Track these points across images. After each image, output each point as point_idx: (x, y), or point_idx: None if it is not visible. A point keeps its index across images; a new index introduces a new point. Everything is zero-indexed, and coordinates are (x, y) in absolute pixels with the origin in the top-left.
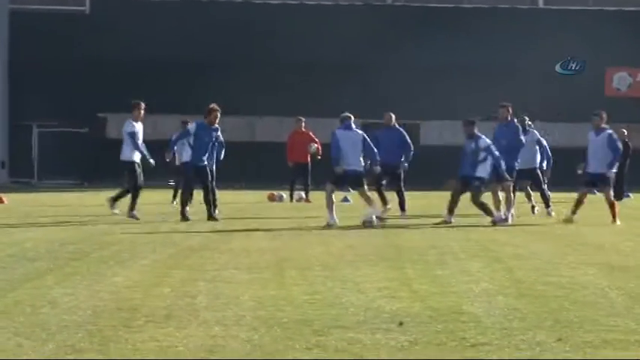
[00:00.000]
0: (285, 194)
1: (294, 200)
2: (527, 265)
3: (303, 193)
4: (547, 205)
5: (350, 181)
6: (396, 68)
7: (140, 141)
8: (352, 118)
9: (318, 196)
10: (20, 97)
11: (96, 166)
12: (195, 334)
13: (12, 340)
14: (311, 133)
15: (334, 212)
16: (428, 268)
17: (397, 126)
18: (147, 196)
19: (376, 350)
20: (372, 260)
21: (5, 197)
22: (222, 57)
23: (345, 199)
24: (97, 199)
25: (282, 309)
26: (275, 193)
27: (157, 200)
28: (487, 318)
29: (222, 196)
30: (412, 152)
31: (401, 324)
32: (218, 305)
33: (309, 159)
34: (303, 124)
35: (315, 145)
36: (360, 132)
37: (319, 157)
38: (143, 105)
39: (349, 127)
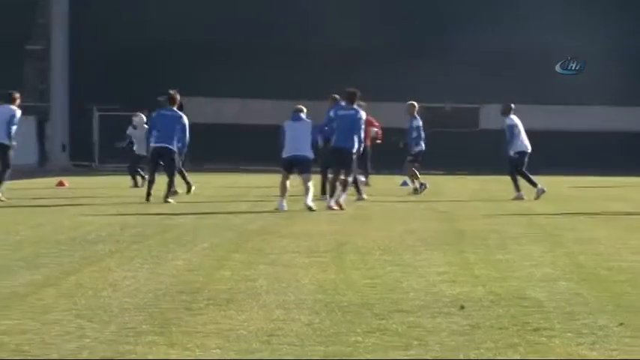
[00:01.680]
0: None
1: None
2: (589, 249)
3: (362, 177)
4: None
5: (297, 165)
6: (458, 52)
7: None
8: (304, 110)
9: (377, 180)
10: (81, 81)
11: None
12: (255, 317)
13: (74, 323)
14: (372, 118)
15: (285, 199)
16: (489, 253)
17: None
18: (208, 180)
19: (437, 334)
20: (433, 245)
21: (66, 180)
22: (282, 39)
23: (404, 183)
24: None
25: (342, 292)
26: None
27: (221, 184)
28: (549, 302)
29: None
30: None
31: (462, 308)
32: (278, 288)
33: (369, 143)
34: (363, 107)
35: (376, 129)
36: (308, 121)
37: (379, 142)
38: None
39: (298, 119)
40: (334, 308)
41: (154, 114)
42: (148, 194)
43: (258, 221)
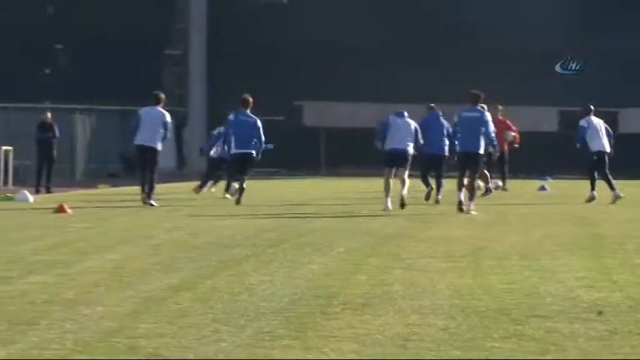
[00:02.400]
0: (481, 182)
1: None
2: None
3: (499, 181)
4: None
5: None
6: (596, 55)
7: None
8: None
9: (514, 185)
10: (218, 86)
11: (292, 154)
12: (391, 322)
13: (210, 327)
14: (508, 122)
15: (389, 198)
16: (627, 258)
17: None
18: (344, 184)
19: (574, 340)
20: (571, 249)
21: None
22: (424, 44)
23: (542, 188)
24: (292, 187)
25: (479, 298)
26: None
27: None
28: None
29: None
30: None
31: (600, 313)
32: (414, 293)
33: (506, 147)
34: (500, 111)
35: (513, 133)
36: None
37: (516, 146)
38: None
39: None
40: (470, 313)
41: (231, 117)
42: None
43: (395, 225)
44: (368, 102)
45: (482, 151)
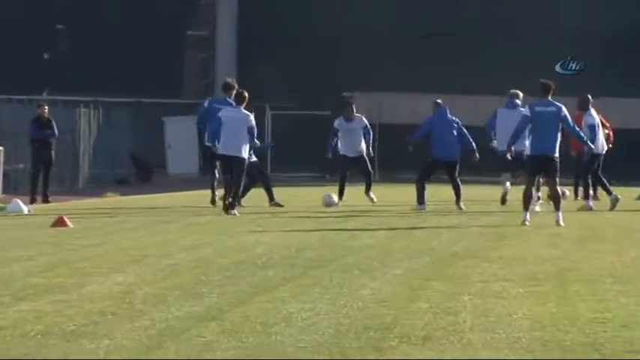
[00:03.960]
0: (567, 190)
1: (579, 197)
2: None
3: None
4: None
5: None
6: None
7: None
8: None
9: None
10: (250, 75)
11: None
12: (458, 357)
13: None
14: (601, 116)
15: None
16: None
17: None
18: (401, 191)
19: None
20: None
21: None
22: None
23: None
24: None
25: (564, 329)
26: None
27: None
28: None
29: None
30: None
31: None
32: (486, 324)
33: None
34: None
35: (606, 130)
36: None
37: (609, 146)
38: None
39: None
40: (554, 348)
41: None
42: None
43: (462, 242)
44: (431, 92)
45: (557, 153)
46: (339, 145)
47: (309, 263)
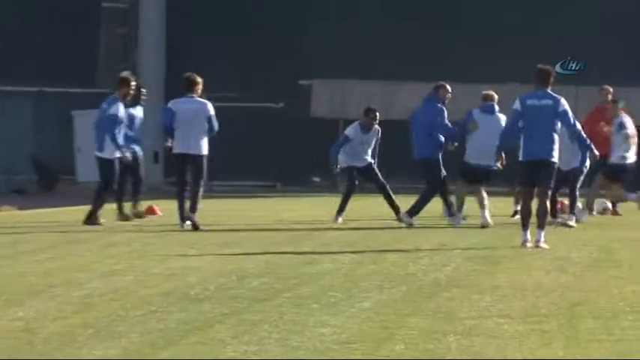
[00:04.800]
0: (580, 203)
1: (595, 212)
2: None
3: (608, 202)
4: None
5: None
6: None
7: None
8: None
9: (630, 206)
10: (182, 58)
11: (295, 157)
12: None
13: None
14: (624, 113)
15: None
16: None
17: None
18: (376, 206)
19: None
20: None
21: (158, 207)
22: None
23: None
24: (292, 209)
25: None
26: (566, 201)
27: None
28: None
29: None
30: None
31: None
32: None
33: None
34: (610, 95)
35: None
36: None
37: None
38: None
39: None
40: None
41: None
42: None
43: (446, 268)
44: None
45: (556, 157)
46: (342, 157)
47: (254, 295)
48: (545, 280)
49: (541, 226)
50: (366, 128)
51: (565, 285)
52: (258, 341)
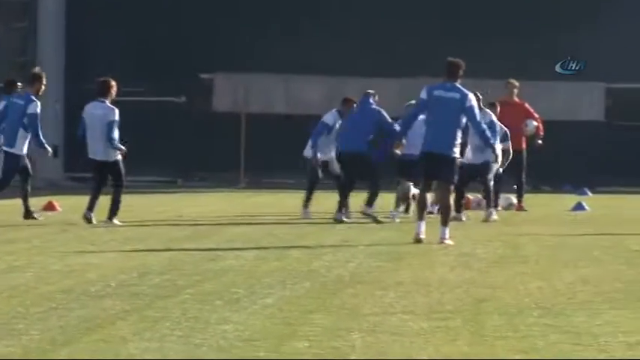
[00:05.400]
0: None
1: (500, 207)
2: None
3: (513, 197)
4: None
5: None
6: None
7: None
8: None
9: (536, 201)
10: (84, 51)
11: (197, 153)
12: None
13: None
14: (527, 105)
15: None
16: None
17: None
18: (281, 203)
19: None
20: (619, 300)
21: (58, 202)
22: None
23: (579, 207)
24: (193, 205)
25: None
26: (471, 196)
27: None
28: None
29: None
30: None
31: None
32: None
33: (524, 145)
34: (516, 90)
35: (535, 123)
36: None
37: (540, 142)
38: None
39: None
40: None
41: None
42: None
43: (350, 264)
44: (317, 75)
45: (456, 152)
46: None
47: (156, 291)
48: (449, 276)
49: (444, 222)
50: (344, 116)
51: (470, 281)
52: (160, 338)
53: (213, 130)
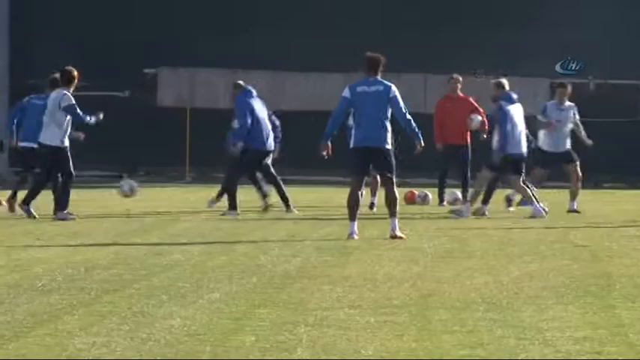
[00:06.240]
0: (430, 193)
1: (445, 202)
2: None
3: (458, 192)
4: None
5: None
6: None
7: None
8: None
9: (480, 196)
10: (28, 47)
11: (142, 148)
12: None
13: None
14: (472, 99)
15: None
16: None
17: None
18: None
19: None
20: (566, 295)
21: (3, 197)
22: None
23: (524, 202)
24: (138, 199)
25: None
26: (416, 191)
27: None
28: None
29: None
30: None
31: None
32: None
33: (468, 139)
34: (460, 85)
35: (479, 117)
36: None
37: (485, 137)
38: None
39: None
40: None
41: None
42: None
43: (296, 258)
44: (260, 69)
45: (389, 143)
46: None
47: (102, 286)
48: (396, 270)
49: (393, 214)
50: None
51: (417, 276)
52: (107, 333)
53: (157, 124)
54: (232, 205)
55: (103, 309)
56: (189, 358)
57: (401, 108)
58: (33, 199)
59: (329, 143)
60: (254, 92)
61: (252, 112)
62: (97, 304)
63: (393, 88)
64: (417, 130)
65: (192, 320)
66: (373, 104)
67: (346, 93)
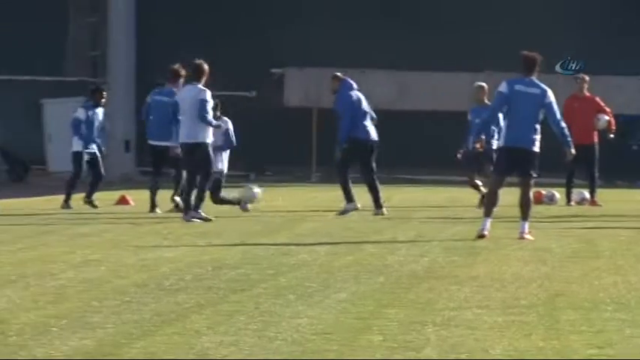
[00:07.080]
0: (557, 193)
1: (572, 202)
2: None
3: (586, 192)
4: None
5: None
6: None
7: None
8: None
9: (609, 196)
10: (154, 46)
11: (269, 147)
12: None
13: None
14: (598, 99)
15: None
16: None
17: None
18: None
19: None
20: None
21: (131, 196)
22: None
23: None
24: (266, 199)
25: None
26: (543, 191)
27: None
28: None
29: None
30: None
31: None
32: None
33: (595, 139)
34: (587, 84)
35: (606, 117)
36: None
37: (611, 136)
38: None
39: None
40: None
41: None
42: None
43: (424, 259)
44: (383, 69)
45: (537, 146)
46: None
47: (230, 285)
48: (524, 271)
49: (525, 217)
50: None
51: (545, 276)
52: (235, 332)
53: (284, 124)
54: (349, 199)
55: (230, 308)
56: (316, 358)
57: (555, 114)
58: (202, 201)
59: (482, 137)
60: (354, 85)
61: (355, 103)
62: (225, 304)
63: (549, 92)
64: (569, 138)
65: (319, 319)
66: (528, 106)
67: (503, 88)
